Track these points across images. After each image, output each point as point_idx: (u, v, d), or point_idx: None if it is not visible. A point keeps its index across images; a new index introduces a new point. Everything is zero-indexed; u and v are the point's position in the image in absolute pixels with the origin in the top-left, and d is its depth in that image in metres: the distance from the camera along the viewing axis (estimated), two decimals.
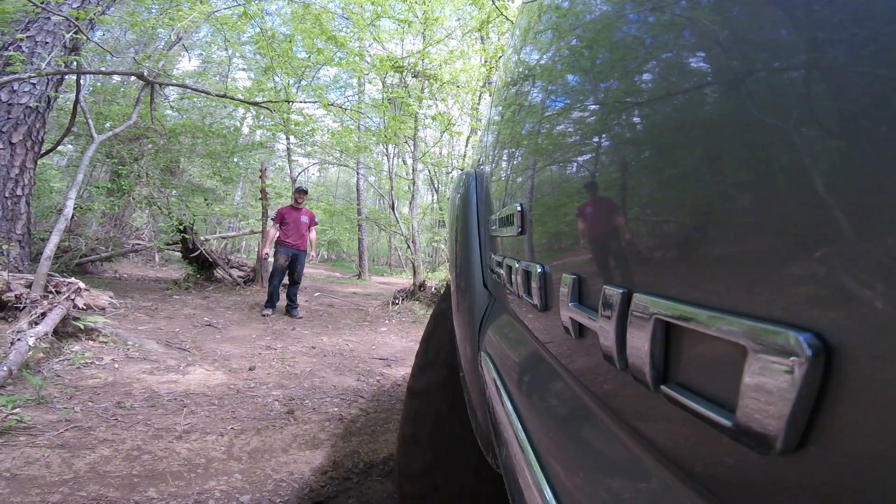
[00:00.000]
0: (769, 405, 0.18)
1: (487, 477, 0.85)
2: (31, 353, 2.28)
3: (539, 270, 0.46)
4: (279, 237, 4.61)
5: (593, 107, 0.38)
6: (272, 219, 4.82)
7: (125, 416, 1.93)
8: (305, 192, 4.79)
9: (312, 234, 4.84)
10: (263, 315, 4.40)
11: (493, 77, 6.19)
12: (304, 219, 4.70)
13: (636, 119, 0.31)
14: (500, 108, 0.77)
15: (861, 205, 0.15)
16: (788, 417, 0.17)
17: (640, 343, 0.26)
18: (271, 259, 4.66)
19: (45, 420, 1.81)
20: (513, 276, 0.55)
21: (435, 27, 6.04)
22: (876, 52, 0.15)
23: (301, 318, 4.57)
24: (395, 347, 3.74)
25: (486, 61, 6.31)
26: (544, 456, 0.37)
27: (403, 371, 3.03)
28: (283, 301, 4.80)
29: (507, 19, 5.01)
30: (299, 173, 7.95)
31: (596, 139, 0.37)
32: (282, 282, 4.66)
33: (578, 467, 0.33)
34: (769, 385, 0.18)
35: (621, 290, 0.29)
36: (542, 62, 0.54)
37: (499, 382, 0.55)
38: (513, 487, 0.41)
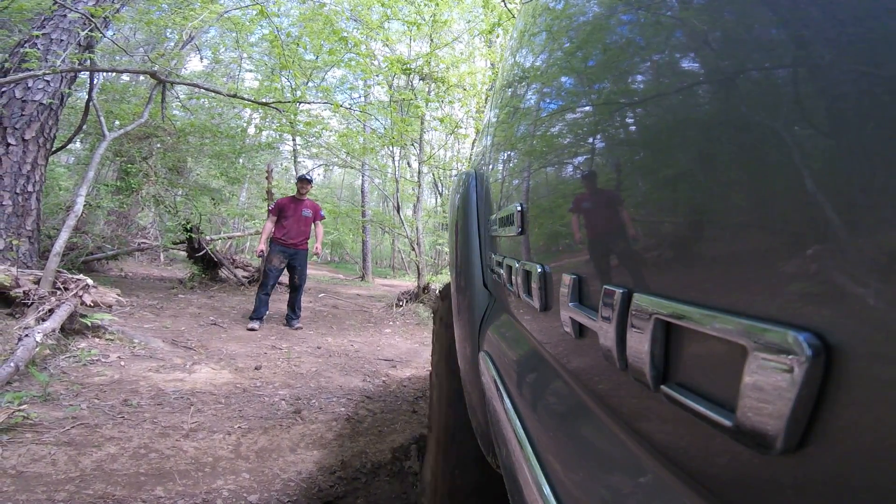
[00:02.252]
0: (769, 405, 0.18)
1: None
2: (38, 349, 2.31)
3: (539, 270, 0.46)
4: (275, 234, 3.92)
5: (591, 107, 0.38)
6: (269, 210, 4.11)
7: (131, 413, 1.94)
8: (310, 182, 4.10)
9: (319, 229, 4.16)
10: (249, 329, 3.72)
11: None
12: (307, 212, 4.02)
13: (635, 119, 0.31)
14: (499, 109, 0.78)
15: (859, 204, 0.15)
16: (788, 417, 0.17)
17: (639, 343, 0.26)
18: (264, 256, 4.01)
19: (51, 417, 1.82)
20: (513, 276, 0.55)
21: (443, 30, 6.07)
22: (866, 51, 0.15)
23: (301, 328, 4.00)
24: (400, 349, 3.74)
25: (492, 64, 6.34)
26: (544, 456, 0.37)
27: (409, 372, 3.03)
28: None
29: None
30: (305, 174, 8.00)
31: (595, 139, 0.37)
32: (274, 287, 3.99)
33: (578, 467, 0.33)
34: (769, 385, 0.18)
35: (621, 290, 0.29)
36: (539, 63, 0.54)
37: (499, 382, 0.55)
38: (513, 487, 0.41)
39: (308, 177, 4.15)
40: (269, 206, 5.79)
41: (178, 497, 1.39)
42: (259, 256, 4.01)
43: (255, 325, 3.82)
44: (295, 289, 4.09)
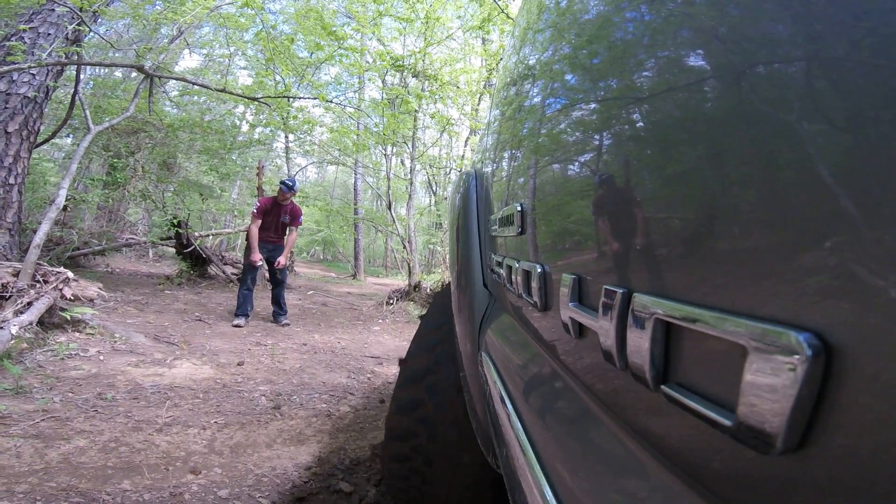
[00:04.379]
0: (770, 405, 0.18)
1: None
2: (13, 342, 2.24)
3: (539, 270, 0.46)
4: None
5: (592, 106, 0.39)
6: (253, 212, 3.95)
7: (105, 407, 1.89)
8: (290, 189, 3.90)
9: (293, 236, 4.11)
10: (234, 326, 3.71)
11: (493, 79, 6.24)
12: (286, 218, 3.98)
13: (635, 118, 0.31)
14: (500, 108, 0.78)
15: (860, 203, 0.15)
16: (789, 417, 0.17)
17: (640, 343, 0.26)
18: (264, 265, 3.90)
19: (21, 410, 1.76)
20: (513, 276, 0.55)
21: (436, 27, 6.08)
22: (879, 44, 0.15)
23: (288, 324, 4.02)
24: (388, 346, 3.72)
25: (485, 62, 6.37)
26: (544, 456, 0.37)
27: (395, 369, 3.01)
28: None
29: (508, 17, 5.02)
30: (297, 172, 7.94)
31: (596, 138, 0.37)
32: (255, 283, 3.98)
33: (579, 467, 0.33)
34: (770, 385, 0.18)
35: (621, 290, 0.29)
36: (542, 61, 0.54)
37: (499, 382, 0.55)
38: (513, 487, 0.41)
39: (289, 183, 3.93)
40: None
41: (144, 490, 1.35)
42: (257, 267, 3.85)
43: (241, 321, 3.77)
44: (277, 284, 4.06)
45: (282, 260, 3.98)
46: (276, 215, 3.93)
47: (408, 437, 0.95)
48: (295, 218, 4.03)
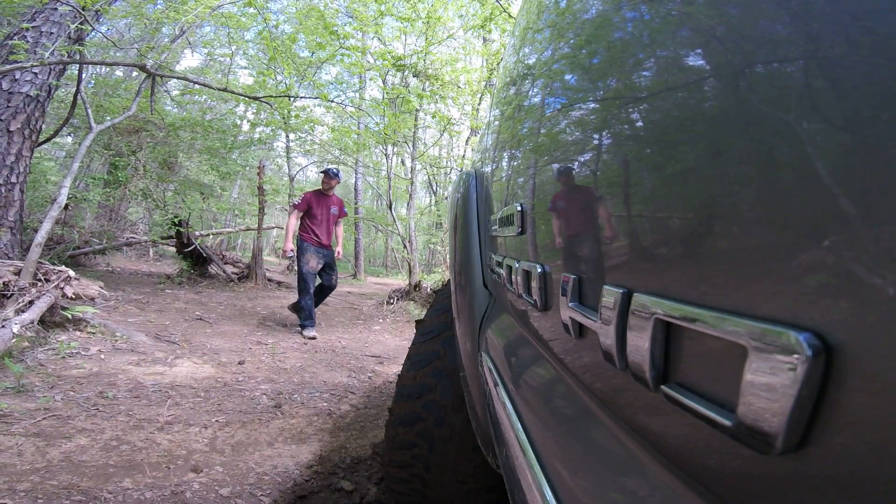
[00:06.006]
0: (769, 405, 0.18)
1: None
2: (14, 340, 2.24)
3: (539, 270, 0.46)
4: (304, 234, 3.66)
5: (592, 106, 0.39)
6: (294, 205, 3.80)
7: (107, 406, 1.90)
8: (336, 177, 3.72)
9: (340, 229, 3.93)
10: (306, 338, 3.48)
11: (493, 78, 6.23)
12: (335, 209, 3.78)
13: (635, 117, 0.31)
14: (500, 108, 0.78)
15: (859, 203, 0.15)
16: (789, 417, 0.17)
17: (639, 343, 0.26)
18: (293, 256, 3.66)
19: (22, 408, 1.77)
20: (513, 276, 0.55)
21: (438, 27, 6.08)
22: (877, 44, 0.15)
23: (314, 337, 3.62)
24: (389, 345, 3.72)
25: (486, 61, 6.37)
26: (544, 455, 0.37)
27: (396, 368, 3.01)
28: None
29: (510, 16, 5.01)
30: (297, 171, 7.94)
31: (595, 138, 0.37)
32: (314, 286, 3.74)
33: (579, 467, 0.33)
34: (769, 385, 0.18)
35: (621, 290, 0.29)
36: (541, 61, 0.54)
37: (499, 382, 0.55)
38: (513, 487, 0.41)
39: (334, 171, 3.76)
40: (260, 201, 5.63)
41: (146, 489, 1.35)
42: (288, 258, 3.72)
43: (313, 331, 3.61)
44: (331, 289, 3.91)
45: (339, 250, 3.90)
46: (326, 207, 3.73)
47: (408, 447, 0.96)
48: (341, 208, 3.89)
